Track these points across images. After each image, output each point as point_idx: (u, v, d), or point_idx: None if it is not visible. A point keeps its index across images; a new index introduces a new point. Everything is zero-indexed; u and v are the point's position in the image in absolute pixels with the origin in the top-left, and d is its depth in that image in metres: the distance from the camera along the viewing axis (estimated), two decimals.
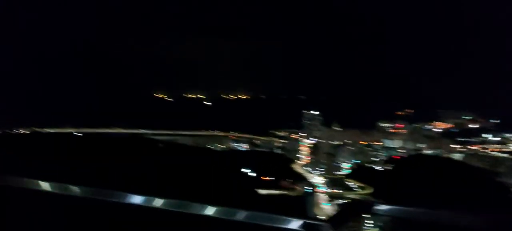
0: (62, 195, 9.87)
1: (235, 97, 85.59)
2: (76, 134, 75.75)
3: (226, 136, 78.63)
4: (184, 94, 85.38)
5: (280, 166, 68.82)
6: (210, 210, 8.85)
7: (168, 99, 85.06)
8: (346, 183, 66.48)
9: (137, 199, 8.54)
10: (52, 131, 75.88)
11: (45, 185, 9.67)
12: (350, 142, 74.61)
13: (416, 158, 71.96)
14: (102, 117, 77.72)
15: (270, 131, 79.01)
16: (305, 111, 76.13)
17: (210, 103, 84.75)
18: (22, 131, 73.49)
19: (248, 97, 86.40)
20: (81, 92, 78.35)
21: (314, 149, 74.60)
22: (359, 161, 72.47)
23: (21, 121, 73.69)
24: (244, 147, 77.98)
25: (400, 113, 79.46)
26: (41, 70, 79.75)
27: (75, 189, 9.08)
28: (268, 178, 61.10)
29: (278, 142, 77.93)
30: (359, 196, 62.34)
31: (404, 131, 77.37)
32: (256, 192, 55.15)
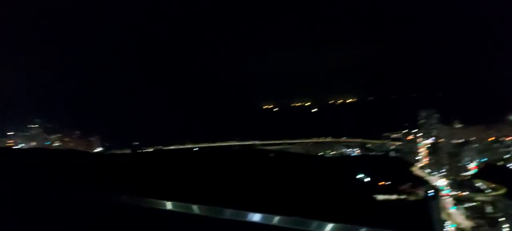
0: (185, 213, 10.23)
1: (342, 101, 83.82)
2: (195, 148, 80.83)
3: (337, 142, 77.20)
4: (291, 103, 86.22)
5: (397, 170, 65.12)
6: (328, 228, 8.40)
7: (276, 109, 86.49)
8: (474, 184, 60.33)
9: (255, 217, 8.49)
10: (173, 147, 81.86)
11: (168, 204, 10.13)
12: (474, 139, 67.85)
13: None
14: (215, 131, 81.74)
15: (383, 134, 75.49)
16: (421, 110, 71.34)
17: (317, 110, 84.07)
18: (148, 149, 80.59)
19: (356, 100, 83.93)
20: (194, 110, 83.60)
21: (434, 149, 69.29)
22: (486, 159, 65.44)
23: (147, 139, 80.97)
24: (356, 152, 75.64)
25: None
26: (160, 93, 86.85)
27: (195, 208, 9.35)
28: (384, 183, 58.14)
29: (393, 144, 74.02)
30: (490, 197, 55.98)
31: None
32: (374, 198, 52.76)
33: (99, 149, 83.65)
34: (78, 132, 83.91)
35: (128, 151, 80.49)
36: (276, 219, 8.25)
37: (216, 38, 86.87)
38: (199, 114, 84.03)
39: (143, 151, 79.82)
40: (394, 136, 74.86)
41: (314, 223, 8.26)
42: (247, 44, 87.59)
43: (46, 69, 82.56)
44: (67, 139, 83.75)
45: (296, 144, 78.51)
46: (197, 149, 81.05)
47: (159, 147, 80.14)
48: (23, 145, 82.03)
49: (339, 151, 76.80)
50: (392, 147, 73.95)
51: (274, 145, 78.12)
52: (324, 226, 8.18)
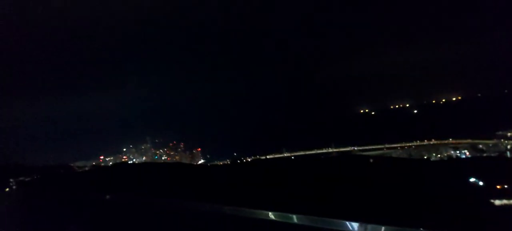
0: (284, 223, 10.08)
1: (446, 100, 77.92)
2: (292, 156, 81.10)
3: (443, 144, 71.75)
4: (389, 106, 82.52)
5: None
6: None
7: (372, 113, 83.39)
8: None
9: (354, 227, 8.02)
10: (270, 156, 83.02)
11: (269, 214, 10.06)
12: None
13: None
14: (311, 138, 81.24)
15: (496, 133, 68.37)
16: None
17: (417, 111, 79.20)
18: (246, 159, 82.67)
19: (461, 98, 77.51)
20: (290, 117, 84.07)
21: None
22: None
23: (244, 149, 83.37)
24: (466, 153, 69.42)
25: None
26: (256, 103, 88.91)
27: (295, 218, 9.14)
28: (501, 186, 52.60)
29: (510, 144, 66.54)
30: None
31: None
32: (491, 204, 47.95)
33: (201, 161, 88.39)
34: (182, 146, 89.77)
35: (228, 161, 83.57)
36: (382, 229, 7.70)
37: (312, 45, 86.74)
38: (295, 122, 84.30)
39: (242, 160, 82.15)
40: (510, 134, 67.43)
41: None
42: (342, 49, 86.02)
43: (154, 93, 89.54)
44: (173, 153, 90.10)
45: (397, 148, 74.73)
46: (294, 157, 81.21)
47: (257, 156, 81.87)
48: (135, 160, 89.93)
49: (446, 153, 71.25)
50: (508, 147, 66.61)
51: (373, 150, 75.24)
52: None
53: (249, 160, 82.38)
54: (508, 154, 66.30)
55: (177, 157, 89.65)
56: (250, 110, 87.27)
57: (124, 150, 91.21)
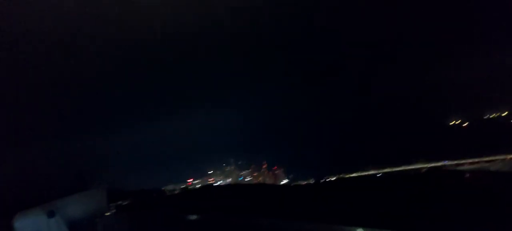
0: None
1: None
2: (378, 174, 78.24)
3: None
4: (483, 116, 76.38)
5: None
6: None
7: (465, 125, 77.83)
8: None
9: None
10: (355, 175, 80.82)
11: None
12: None
13: None
14: (398, 153, 77.76)
15: None
16: None
17: None
18: (330, 178, 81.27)
19: None
20: (375, 132, 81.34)
21: None
22: None
23: (329, 168, 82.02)
24: None
25: None
26: (336, 118, 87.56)
27: None
28: None
29: None
30: None
31: None
32: None
33: (285, 181, 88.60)
34: (265, 167, 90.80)
35: (312, 181, 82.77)
36: None
37: (398, 52, 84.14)
38: (380, 137, 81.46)
39: (326, 179, 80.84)
40: None
41: None
42: (428, 55, 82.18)
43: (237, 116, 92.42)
44: (256, 173, 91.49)
45: (496, 161, 68.63)
46: (381, 174, 78.15)
47: (341, 175, 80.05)
48: (220, 181, 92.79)
49: None
50: None
51: (468, 164, 69.90)
52: None
53: (333, 179, 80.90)
54: None
55: (260, 178, 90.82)
56: (330, 125, 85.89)
57: (210, 172, 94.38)
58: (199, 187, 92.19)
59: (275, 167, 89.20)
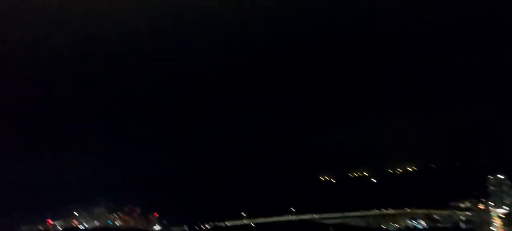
0: None
1: (403, 170, 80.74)
2: (252, 224, 79.86)
3: (400, 214, 73.35)
4: (349, 174, 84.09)
5: None
6: None
7: (333, 180, 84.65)
8: None
9: None
10: (229, 223, 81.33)
11: None
12: None
13: None
14: (271, 205, 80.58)
15: (451, 203, 71.03)
16: (490, 176, 67.18)
17: (377, 180, 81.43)
18: (206, 226, 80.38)
19: (418, 169, 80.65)
20: (250, 184, 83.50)
21: (509, 219, 64.27)
22: None
23: (205, 216, 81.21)
24: (422, 223, 71.32)
25: None
26: (215, 170, 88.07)
27: None
28: None
29: (463, 215, 69.04)
30: None
31: None
32: None
33: (158, 227, 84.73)
34: (138, 211, 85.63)
35: (186, 229, 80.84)
36: None
37: (272, 114, 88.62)
38: (254, 189, 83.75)
39: (201, 228, 79.79)
40: (463, 205, 70.23)
41: None
42: (303, 119, 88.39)
43: (107, 152, 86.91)
44: (127, 218, 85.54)
45: (356, 217, 75.60)
46: (254, 225, 79.97)
47: (217, 223, 79.85)
48: (86, 225, 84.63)
49: (403, 223, 72.98)
50: (462, 218, 69.14)
51: (333, 218, 75.67)
52: None
53: (209, 228, 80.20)
54: (462, 224, 68.92)
55: (132, 223, 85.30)
56: (208, 178, 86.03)
57: (75, 213, 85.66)
58: None
59: (155, 213, 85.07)
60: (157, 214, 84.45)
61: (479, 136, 74.89)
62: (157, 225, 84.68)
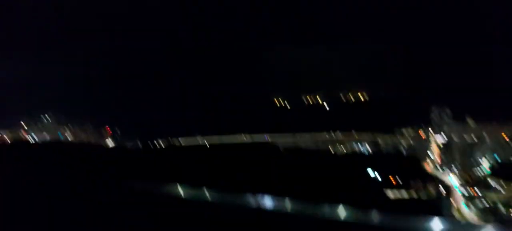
0: (197, 200, 10.28)
1: (354, 97, 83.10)
2: (204, 142, 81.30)
3: (348, 138, 76.73)
4: (303, 98, 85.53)
5: (408, 167, 64.76)
6: (342, 212, 8.34)
7: (288, 104, 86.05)
8: (488, 182, 59.61)
9: (267, 202, 8.45)
10: (182, 140, 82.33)
11: (181, 190, 10.18)
12: (488, 136, 67.03)
13: None
14: (226, 125, 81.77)
15: (395, 130, 74.88)
16: (434, 106, 70.60)
17: (330, 106, 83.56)
18: (160, 143, 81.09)
19: (368, 96, 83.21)
20: (206, 104, 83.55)
21: (447, 147, 68.67)
22: (499, 158, 64.58)
23: (159, 133, 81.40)
24: (368, 147, 75.19)
25: None
26: (171, 86, 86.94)
27: (209, 194, 9.37)
28: (396, 180, 57.92)
29: (405, 141, 73.35)
30: (504, 196, 55.43)
31: None
32: (385, 195, 52.68)
33: (110, 142, 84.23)
34: (90, 125, 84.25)
35: (139, 144, 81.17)
36: (288, 204, 8.21)
37: (229, 33, 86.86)
38: (210, 108, 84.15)
39: (155, 144, 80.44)
40: (406, 132, 74.29)
41: (327, 208, 8.19)
42: (260, 39, 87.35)
43: (59, 60, 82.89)
44: (78, 131, 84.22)
45: (307, 140, 78.40)
46: (208, 142, 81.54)
47: (171, 140, 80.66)
48: (35, 137, 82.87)
49: (350, 147, 76.57)
50: (403, 144, 73.44)
51: (284, 140, 78.23)
52: (336, 210, 8.10)
53: (163, 144, 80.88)
54: (403, 150, 73.36)
55: (83, 136, 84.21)
56: (163, 93, 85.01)
57: (24, 125, 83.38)
58: (12, 144, 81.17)
59: (107, 127, 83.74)
60: (110, 128, 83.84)
61: (426, 68, 77.21)
62: (109, 139, 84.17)
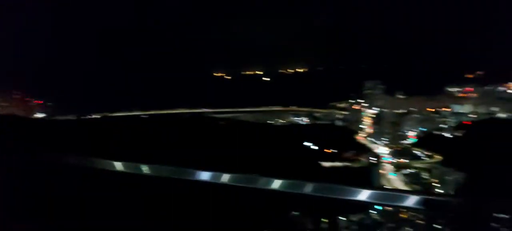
0: (134, 174, 10.25)
1: (293, 71, 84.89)
2: (143, 116, 79.43)
3: (286, 111, 78.60)
4: (242, 72, 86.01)
5: (342, 138, 67.75)
6: (276, 184, 8.77)
7: (227, 77, 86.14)
8: (413, 152, 63.98)
9: (204, 176, 8.65)
10: (121, 114, 79.85)
11: (118, 165, 10.10)
12: (415, 109, 71.55)
13: (489, 122, 67.50)
14: (164, 97, 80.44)
15: (331, 103, 77.87)
16: (366, 80, 73.93)
17: (268, 79, 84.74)
18: (95, 116, 78.09)
19: (306, 70, 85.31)
20: (143, 76, 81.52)
21: (377, 119, 72.46)
22: (426, 129, 69.37)
23: (94, 105, 78.34)
24: (304, 120, 77.60)
25: (469, 76, 74.67)
26: (107, 58, 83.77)
27: (146, 168, 9.38)
28: (331, 150, 60.41)
29: (340, 114, 76.64)
30: (427, 165, 59.81)
31: (475, 95, 72.70)
32: (320, 165, 54.82)
33: (40, 114, 79.99)
34: (18, 96, 79.37)
35: (73, 117, 77.69)
36: (226, 177, 8.47)
37: (168, 5, 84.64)
38: (148, 81, 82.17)
39: (89, 117, 77.38)
40: (340, 105, 77.45)
41: (263, 180, 8.56)
42: (198, 11, 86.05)
43: None
44: (5, 103, 79.16)
45: (246, 113, 79.13)
46: (146, 115, 79.74)
47: (106, 114, 77.93)
48: None
49: (288, 120, 78.42)
50: (338, 116, 76.61)
51: (224, 113, 78.36)
52: (272, 182, 8.50)
53: (99, 116, 77.97)
54: (338, 122, 76.59)
55: (11, 108, 79.07)
56: (99, 65, 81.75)
57: None
58: None
59: (28, 98, 78.87)
60: (40, 100, 79.46)
61: (361, 41, 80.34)
62: (40, 112, 79.84)
